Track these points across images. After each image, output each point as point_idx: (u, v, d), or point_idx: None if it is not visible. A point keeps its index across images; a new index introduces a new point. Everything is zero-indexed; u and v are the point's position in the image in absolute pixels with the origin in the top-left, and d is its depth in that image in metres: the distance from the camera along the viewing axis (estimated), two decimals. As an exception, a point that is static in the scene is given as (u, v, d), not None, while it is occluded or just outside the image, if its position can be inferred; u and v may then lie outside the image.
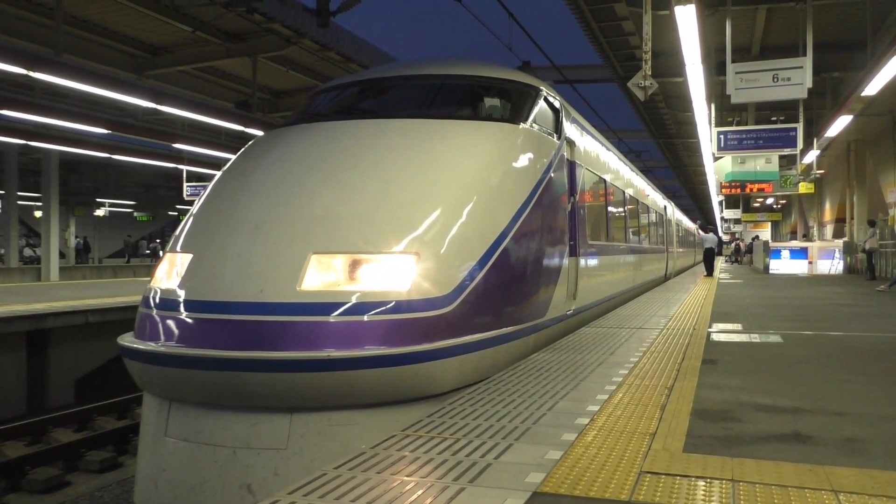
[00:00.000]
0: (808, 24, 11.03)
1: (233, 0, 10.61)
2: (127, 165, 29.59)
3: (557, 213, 6.39)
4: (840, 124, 15.03)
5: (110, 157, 20.60)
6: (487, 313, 4.78)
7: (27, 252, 29.91)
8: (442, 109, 6.07)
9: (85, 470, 7.63)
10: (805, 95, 10.52)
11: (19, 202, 22.95)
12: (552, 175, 6.22)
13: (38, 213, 26.97)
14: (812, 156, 19.11)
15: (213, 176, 7.23)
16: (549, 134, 6.50)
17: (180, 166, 21.76)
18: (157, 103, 11.56)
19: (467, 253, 4.68)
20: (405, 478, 2.66)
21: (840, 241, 22.92)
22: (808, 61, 10.20)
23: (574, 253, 6.95)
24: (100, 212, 37.39)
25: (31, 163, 24.40)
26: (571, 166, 7.14)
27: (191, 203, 23.54)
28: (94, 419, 9.11)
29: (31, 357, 10.03)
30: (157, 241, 44.04)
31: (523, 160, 5.75)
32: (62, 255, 25.63)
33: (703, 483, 2.60)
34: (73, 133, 17.10)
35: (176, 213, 41.31)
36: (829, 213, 28.43)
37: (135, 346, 4.40)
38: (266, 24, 12.88)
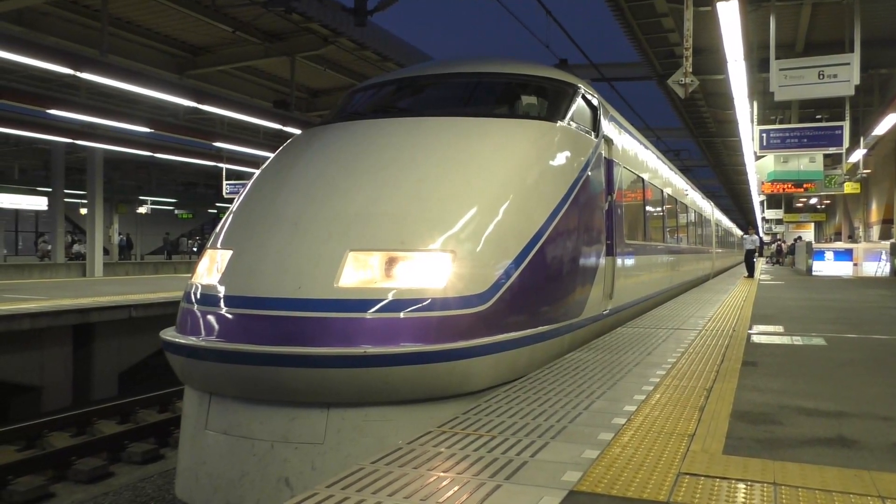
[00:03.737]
0: (855, 19, 10.72)
1: (272, 0, 10.76)
2: (168, 164, 30.29)
3: (594, 212, 6.33)
4: (888, 122, 14.60)
5: (153, 156, 21.12)
6: (523, 312, 4.77)
7: (76, 248, 30.69)
8: (478, 107, 6.05)
9: (128, 461, 7.82)
10: (852, 93, 10.24)
11: (65, 199, 23.63)
12: (589, 173, 6.17)
13: (83, 211, 27.72)
14: (858, 155, 18.60)
15: (252, 174, 7.34)
16: (587, 132, 6.44)
17: (220, 164, 22.16)
18: (199, 102, 11.80)
19: (503, 251, 4.67)
20: (441, 473, 2.67)
21: (887, 243, 22.24)
22: (855, 57, 9.92)
23: (611, 252, 6.88)
24: (142, 209, 38.29)
25: (76, 161, 25.10)
26: (609, 165, 7.06)
27: (230, 201, 23.95)
28: (137, 412, 9.33)
29: (77, 350, 10.32)
30: (197, 238, 44.88)
31: (560, 158, 5.71)
32: (106, 252, 26.30)
33: (744, 486, 2.55)
34: (118, 132, 17.55)
35: (215, 211, 42.06)
36: (875, 214, 27.60)
37: (176, 340, 4.49)
38: (304, 23, 13.04)
